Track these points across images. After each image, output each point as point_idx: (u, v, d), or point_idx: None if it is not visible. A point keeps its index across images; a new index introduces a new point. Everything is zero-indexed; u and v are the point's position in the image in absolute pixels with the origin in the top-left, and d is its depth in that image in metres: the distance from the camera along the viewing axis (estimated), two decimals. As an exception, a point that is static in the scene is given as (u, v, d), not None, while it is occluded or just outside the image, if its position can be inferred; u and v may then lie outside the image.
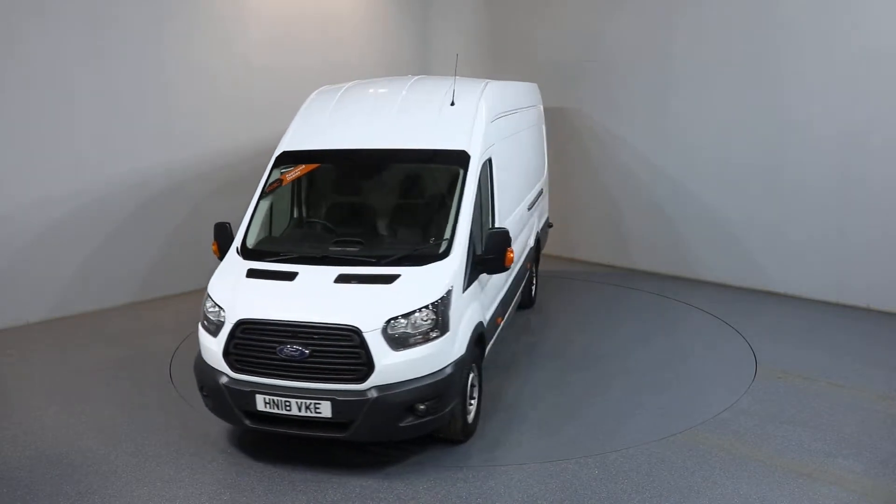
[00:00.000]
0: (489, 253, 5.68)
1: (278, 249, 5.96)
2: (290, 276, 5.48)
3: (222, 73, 10.15)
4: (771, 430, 5.95)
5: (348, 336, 5.01)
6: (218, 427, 6.07)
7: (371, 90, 7.23)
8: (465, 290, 5.50)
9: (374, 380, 5.00)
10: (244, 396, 5.20)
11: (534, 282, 9.30)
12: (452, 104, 6.42)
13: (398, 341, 5.04)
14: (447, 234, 5.66)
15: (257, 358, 5.19)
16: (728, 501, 4.95)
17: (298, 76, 10.59)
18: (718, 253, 10.25)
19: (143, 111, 9.50)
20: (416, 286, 5.26)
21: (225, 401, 5.31)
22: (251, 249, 5.97)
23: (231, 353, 5.26)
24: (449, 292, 5.27)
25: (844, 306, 9.14)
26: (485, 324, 5.97)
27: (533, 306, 9.28)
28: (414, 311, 5.10)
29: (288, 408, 5.11)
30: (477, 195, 5.97)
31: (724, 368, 7.34)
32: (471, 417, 5.76)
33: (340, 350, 5.04)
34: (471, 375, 5.64)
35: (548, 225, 10.24)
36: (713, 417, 6.20)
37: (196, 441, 5.89)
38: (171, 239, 9.86)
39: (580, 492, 5.08)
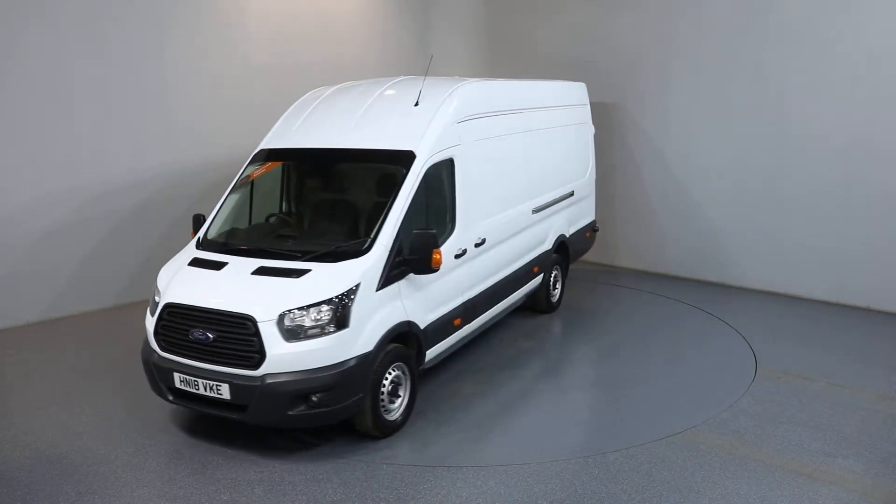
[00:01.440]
0: (414, 253, 5.79)
1: (227, 241, 6.36)
2: (219, 267, 5.88)
3: (222, 72, 10.15)
4: (771, 430, 5.95)
5: (244, 324, 5.31)
6: (218, 428, 6.08)
7: (351, 91, 7.34)
8: (379, 288, 5.62)
9: (266, 367, 5.26)
10: (166, 373, 5.69)
11: (556, 286, 9.06)
12: (416, 104, 6.56)
13: (292, 333, 5.27)
14: (373, 233, 5.82)
15: (176, 339, 5.65)
16: (728, 501, 4.94)
17: (299, 76, 10.59)
18: (718, 253, 10.25)
19: (143, 111, 9.50)
20: (320, 281, 5.47)
21: (154, 376, 5.84)
22: (207, 240, 6.42)
23: (159, 332, 5.76)
24: (353, 289, 5.44)
25: (844, 306, 9.14)
26: (421, 325, 6.05)
27: (554, 311, 9.05)
28: (310, 305, 5.30)
29: (196, 387, 5.53)
30: (422, 196, 6.12)
31: (724, 368, 7.34)
32: (394, 415, 5.90)
33: (238, 337, 5.36)
34: (392, 374, 5.80)
35: (592, 229, 10.02)
36: (713, 417, 6.20)
37: (196, 441, 5.89)
38: (171, 238, 9.82)
39: (580, 492, 5.08)
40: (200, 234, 6.51)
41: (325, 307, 5.32)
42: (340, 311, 5.35)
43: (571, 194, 9.12)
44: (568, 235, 9.06)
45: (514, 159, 7.75)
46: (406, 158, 6.15)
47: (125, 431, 6.08)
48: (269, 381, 5.25)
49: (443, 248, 6.22)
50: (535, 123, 8.18)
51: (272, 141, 7.00)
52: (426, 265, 5.81)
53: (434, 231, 5.86)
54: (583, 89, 9.77)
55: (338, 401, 5.38)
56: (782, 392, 6.68)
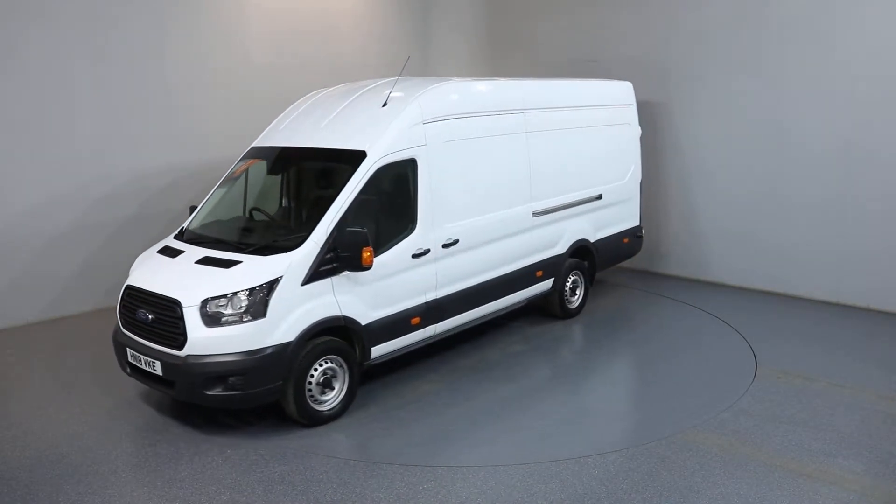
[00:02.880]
0: (344, 251, 5.96)
1: (199, 232, 6.79)
2: (175, 255, 6.38)
3: (223, 72, 10.15)
4: (771, 430, 5.95)
5: (173, 308, 5.78)
6: (218, 428, 6.09)
7: (336, 92, 7.58)
8: (305, 283, 5.85)
9: (188, 349, 5.68)
10: (122, 349, 6.28)
11: (576, 292, 8.83)
12: (384, 105, 6.74)
13: (213, 319, 5.65)
14: (310, 229, 6.06)
15: (130, 318, 6.20)
16: (728, 501, 4.94)
17: (299, 76, 10.60)
18: (718, 253, 10.25)
19: (144, 111, 9.51)
20: (244, 273, 5.81)
21: (116, 350, 6.43)
22: (185, 230, 6.91)
23: (121, 311, 6.37)
24: (274, 281, 5.71)
25: (844, 306, 9.14)
26: (362, 321, 6.22)
27: (573, 317, 8.81)
28: (229, 294, 5.67)
29: (140, 362, 6.05)
30: (372, 194, 6.31)
31: (724, 368, 7.34)
32: (327, 406, 6.13)
33: (168, 319, 5.82)
34: (323, 366, 6.04)
35: (635, 235, 9.70)
36: (713, 417, 6.20)
37: (196, 442, 5.89)
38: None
39: (580, 492, 5.08)
40: (185, 224, 7.00)
41: (243, 297, 5.65)
42: (258, 302, 5.65)
43: (599, 197, 8.86)
44: (593, 240, 8.83)
45: (504, 160, 7.60)
46: (356, 158, 6.35)
47: (125, 431, 6.09)
48: (190, 361, 5.66)
49: (398, 248, 6.43)
50: (541, 124, 7.99)
51: (261, 139, 7.47)
52: (357, 263, 5.96)
53: (364, 230, 5.96)
54: (626, 89, 9.46)
55: (253, 386, 5.67)
56: (782, 392, 6.67)
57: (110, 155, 9.28)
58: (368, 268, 6.01)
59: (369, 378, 6.96)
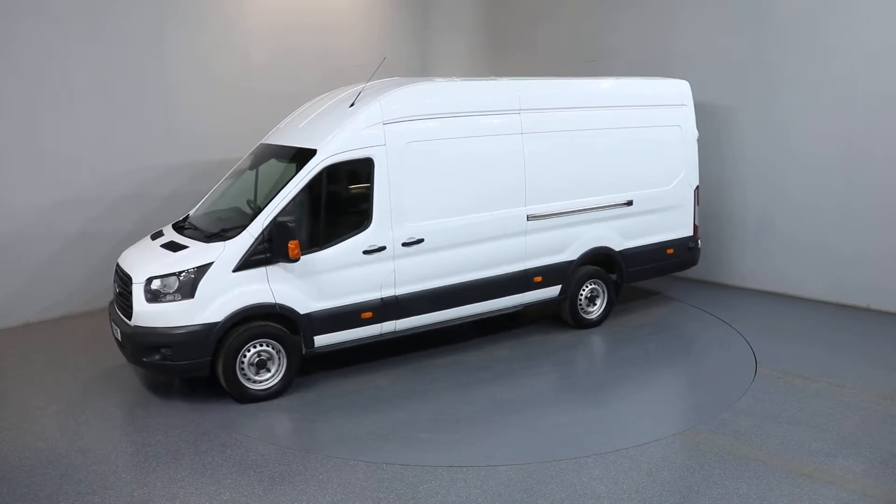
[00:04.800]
0: (272, 241, 6.40)
1: (191, 220, 7.31)
2: (156, 237, 7.14)
3: (223, 71, 10.14)
4: (771, 430, 5.95)
5: (127, 283, 6.54)
6: (218, 428, 6.10)
7: (331, 94, 7.84)
8: (237, 269, 6.36)
9: (134, 320, 6.41)
10: (109, 317, 7.04)
11: (596, 302, 8.41)
12: (352, 105, 7.01)
13: (154, 295, 6.35)
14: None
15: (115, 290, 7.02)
16: (728, 501, 4.94)
17: (299, 75, 10.60)
18: (718, 253, 10.25)
19: (144, 111, 9.50)
20: (184, 257, 6.46)
21: (110, 319, 7.08)
22: (184, 218, 7.47)
23: (113, 284, 7.09)
24: (204, 266, 6.31)
25: (844, 306, 9.14)
26: (301, 310, 6.58)
27: (590, 328, 8.40)
28: (167, 275, 6.35)
29: (113, 329, 6.82)
30: (319, 191, 6.69)
31: (724, 368, 7.34)
32: (262, 386, 6.55)
33: (125, 293, 6.58)
34: (258, 348, 6.46)
35: (687, 246, 8.96)
36: (713, 417, 6.20)
37: (196, 441, 5.90)
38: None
39: (580, 492, 5.08)
40: (191, 211, 7.59)
41: (176, 278, 6.31)
42: (188, 284, 6.28)
43: (628, 204, 8.38)
44: (619, 249, 8.40)
45: (488, 162, 7.46)
46: (307, 156, 6.73)
47: (125, 431, 6.10)
48: (135, 331, 6.39)
49: (348, 243, 6.73)
50: (541, 126, 7.73)
51: (266, 136, 7.91)
52: (284, 254, 6.38)
53: (290, 222, 6.45)
54: (679, 88, 8.87)
55: (181, 358, 6.30)
56: (782, 392, 6.67)
57: (109, 155, 9.26)
58: (295, 259, 6.40)
59: (366, 376, 6.95)
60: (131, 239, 9.39)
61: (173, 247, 6.70)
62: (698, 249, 9.20)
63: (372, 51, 12.01)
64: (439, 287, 7.26)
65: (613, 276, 8.56)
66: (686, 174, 8.88)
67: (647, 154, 8.56)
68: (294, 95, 9.72)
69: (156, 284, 6.35)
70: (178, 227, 7.19)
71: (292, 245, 6.34)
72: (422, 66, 12.59)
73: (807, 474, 5.27)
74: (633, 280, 8.83)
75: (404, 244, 6.96)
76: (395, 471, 5.38)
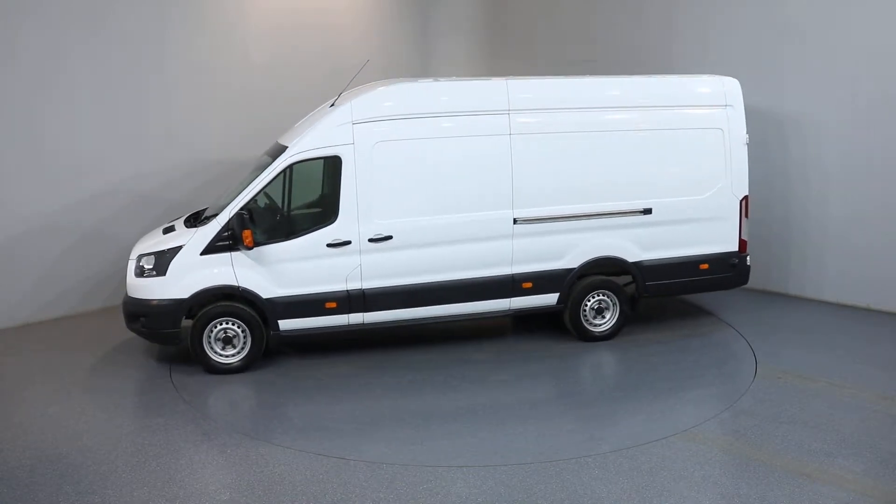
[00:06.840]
0: (232, 231, 7.02)
1: (206, 212, 7.75)
2: (169, 227, 7.78)
3: (223, 71, 10.15)
4: (771, 430, 5.95)
5: (128, 261, 7.50)
6: (218, 428, 6.09)
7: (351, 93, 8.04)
8: (204, 253, 7.05)
9: (128, 291, 7.36)
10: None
11: (605, 314, 7.97)
12: (332, 105, 7.39)
13: (140, 271, 7.23)
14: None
15: None
16: (728, 501, 4.94)
17: (299, 75, 10.61)
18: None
19: (144, 111, 9.51)
20: (166, 240, 7.29)
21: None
22: (204, 209, 8.04)
23: None
24: (176, 248, 7.10)
25: (844, 306, 9.14)
26: (263, 294, 7.12)
27: (596, 341, 7.97)
28: (148, 254, 7.21)
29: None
30: (286, 185, 7.41)
31: (724, 368, 7.34)
32: (226, 360, 7.21)
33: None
34: (223, 326, 7.11)
35: (729, 263, 8.10)
36: (713, 417, 6.20)
37: (196, 441, 5.90)
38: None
39: (580, 492, 5.08)
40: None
41: (153, 257, 7.15)
42: (163, 262, 7.09)
43: (647, 212, 7.81)
44: (634, 260, 7.87)
45: (468, 163, 7.37)
46: (280, 152, 7.27)
47: (125, 431, 6.09)
48: (126, 300, 7.35)
49: (313, 235, 7.15)
50: (535, 127, 7.49)
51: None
52: (240, 241, 6.97)
53: (244, 213, 6.98)
54: (721, 86, 8.06)
55: (154, 327, 7.17)
56: (782, 392, 6.67)
57: (109, 155, 9.28)
58: (249, 248, 6.99)
59: (367, 377, 6.95)
60: (131, 238, 9.43)
61: (167, 231, 7.54)
62: (747, 267, 8.23)
63: (372, 51, 12.03)
64: (411, 284, 7.37)
65: (628, 289, 8.07)
66: (730, 182, 8.01)
67: (672, 159, 7.92)
68: (294, 95, 9.74)
69: (142, 261, 7.22)
70: (193, 216, 7.84)
71: (246, 234, 6.92)
72: (422, 66, 12.59)
73: (807, 474, 5.27)
74: (655, 295, 8.19)
75: (371, 240, 7.19)
76: (395, 471, 5.38)
